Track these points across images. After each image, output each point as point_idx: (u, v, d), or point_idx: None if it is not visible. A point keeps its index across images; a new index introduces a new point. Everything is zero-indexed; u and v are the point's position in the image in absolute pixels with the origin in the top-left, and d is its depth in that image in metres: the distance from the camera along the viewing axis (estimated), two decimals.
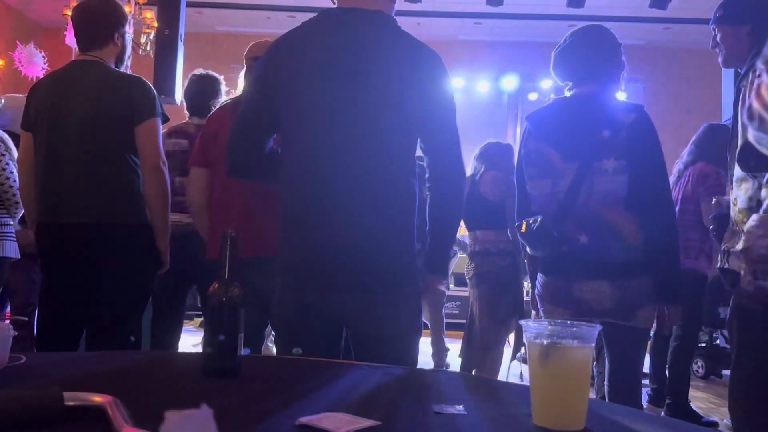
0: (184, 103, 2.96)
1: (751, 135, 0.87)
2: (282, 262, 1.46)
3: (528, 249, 2.09)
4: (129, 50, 2.25)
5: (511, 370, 4.09)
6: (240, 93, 2.37)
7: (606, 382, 2.01)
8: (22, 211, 2.79)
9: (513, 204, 3.19)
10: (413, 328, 1.47)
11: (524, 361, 4.63)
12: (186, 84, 2.96)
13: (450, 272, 3.51)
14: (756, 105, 0.78)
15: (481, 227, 3.33)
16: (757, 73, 0.83)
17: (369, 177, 1.38)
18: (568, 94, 2.06)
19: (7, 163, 2.74)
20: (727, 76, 5.65)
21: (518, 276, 3.23)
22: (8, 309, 3.13)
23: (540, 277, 2.06)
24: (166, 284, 2.63)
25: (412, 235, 1.44)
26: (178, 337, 2.89)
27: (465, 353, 3.50)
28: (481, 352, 3.32)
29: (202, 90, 2.88)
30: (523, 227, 2.00)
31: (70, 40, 5.74)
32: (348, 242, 1.37)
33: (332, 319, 1.43)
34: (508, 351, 3.89)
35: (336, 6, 1.49)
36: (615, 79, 2.01)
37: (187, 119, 2.93)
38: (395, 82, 1.39)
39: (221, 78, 2.97)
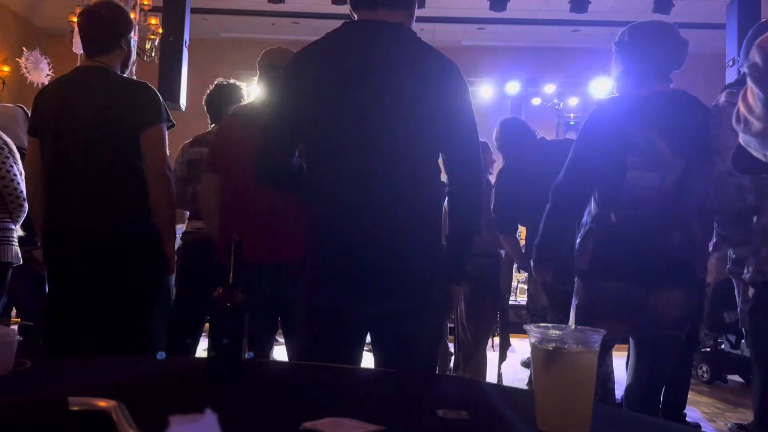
0: (205, 110, 2.94)
1: (741, 138, 0.90)
2: (309, 268, 1.47)
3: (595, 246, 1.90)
4: (134, 56, 2.26)
5: (507, 373, 4.06)
6: (252, 99, 2.34)
7: (626, 391, 1.96)
8: (25, 215, 2.80)
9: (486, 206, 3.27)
10: (437, 333, 1.50)
11: (528, 365, 4.61)
12: (207, 93, 2.95)
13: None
14: (742, 108, 0.82)
15: None
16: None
17: (396, 183, 1.41)
18: (633, 90, 1.95)
19: (11, 166, 2.75)
20: (730, 80, 5.65)
21: (500, 277, 3.29)
22: (13, 314, 3.14)
23: (597, 287, 1.88)
24: (186, 289, 2.65)
25: (438, 239, 1.48)
26: (197, 343, 2.90)
27: (456, 353, 3.57)
28: (465, 351, 3.38)
29: (220, 98, 2.86)
30: (613, 217, 1.86)
31: (77, 47, 5.78)
32: (376, 248, 1.39)
33: (360, 324, 1.45)
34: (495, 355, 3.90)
35: (358, 18, 1.52)
36: None
37: (209, 128, 2.92)
38: (418, 91, 1.43)
39: (243, 85, 2.95)
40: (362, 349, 1.51)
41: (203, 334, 5.60)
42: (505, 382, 3.69)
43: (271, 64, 2.19)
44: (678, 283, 1.84)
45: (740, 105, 0.82)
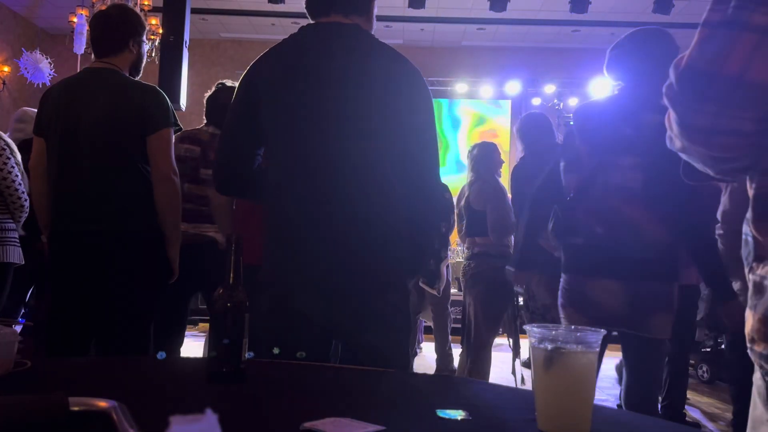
0: (204, 109, 2.89)
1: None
2: (268, 271, 1.46)
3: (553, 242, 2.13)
4: (144, 60, 2.24)
5: (508, 373, 4.06)
6: None
7: (623, 393, 1.98)
8: (26, 216, 2.79)
9: (493, 210, 3.28)
10: (403, 330, 1.47)
11: (527, 365, 4.61)
12: (211, 91, 2.91)
13: (449, 277, 3.56)
14: (667, 126, 0.88)
15: (479, 234, 3.44)
16: None
17: (353, 183, 1.39)
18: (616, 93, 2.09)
19: (12, 167, 2.74)
20: None
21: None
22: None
23: (561, 280, 2.03)
24: (169, 291, 2.63)
25: (398, 238, 1.44)
26: (181, 344, 2.89)
27: (465, 354, 3.57)
28: (475, 351, 3.38)
29: (221, 100, 2.77)
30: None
31: (77, 47, 5.77)
32: (334, 249, 1.38)
33: (319, 327, 1.42)
34: (502, 355, 3.90)
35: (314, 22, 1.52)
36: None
37: (203, 125, 2.85)
38: (374, 87, 1.41)
39: None
40: (326, 354, 1.48)
41: (201, 334, 5.61)
42: (515, 381, 3.70)
43: None
44: (611, 275, 1.88)
45: (666, 123, 0.86)
